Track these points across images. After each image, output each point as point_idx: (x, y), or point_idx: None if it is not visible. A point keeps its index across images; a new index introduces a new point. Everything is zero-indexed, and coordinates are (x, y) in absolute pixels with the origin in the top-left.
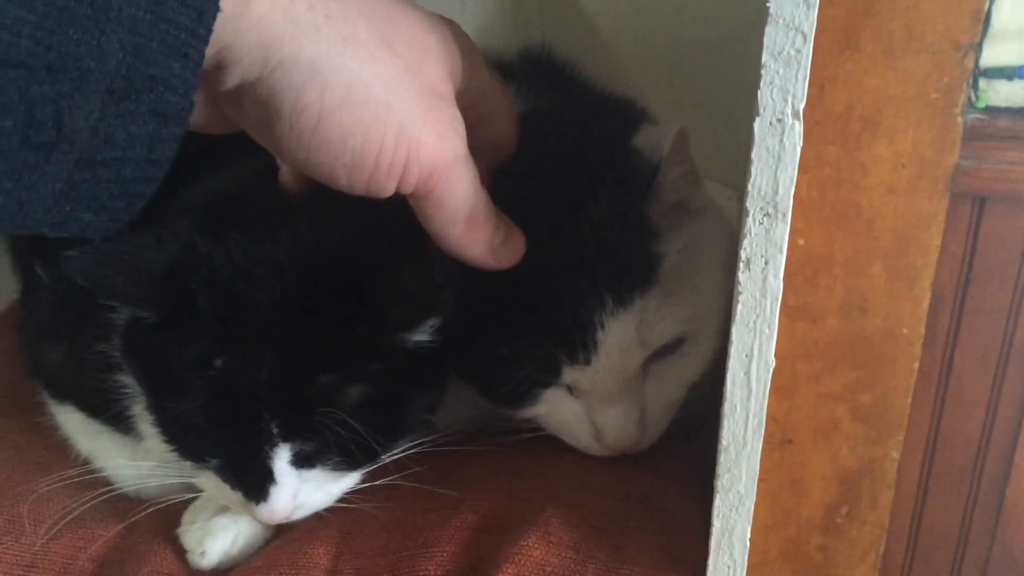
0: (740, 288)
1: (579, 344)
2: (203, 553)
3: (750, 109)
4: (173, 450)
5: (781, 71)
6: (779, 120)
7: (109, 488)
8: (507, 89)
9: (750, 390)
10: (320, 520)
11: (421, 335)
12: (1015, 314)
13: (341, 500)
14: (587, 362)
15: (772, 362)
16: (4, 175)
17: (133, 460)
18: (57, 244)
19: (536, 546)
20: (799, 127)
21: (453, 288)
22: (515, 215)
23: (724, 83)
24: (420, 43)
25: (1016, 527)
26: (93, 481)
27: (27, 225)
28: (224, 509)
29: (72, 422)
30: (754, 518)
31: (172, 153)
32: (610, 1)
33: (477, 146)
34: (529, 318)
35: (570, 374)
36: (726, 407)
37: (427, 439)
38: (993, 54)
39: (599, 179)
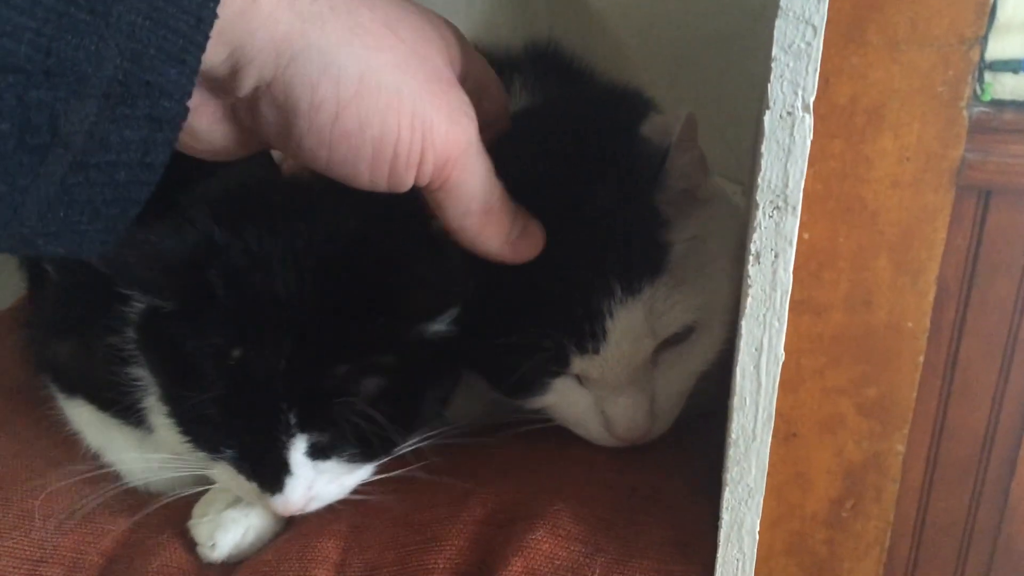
0: (750, 281)
1: (588, 333)
2: (214, 546)
3: (755, 104)
4: (188, 441)
5: (791, 64)
6: (789, 113)
7: (118, 483)
8: (514, 82)
9: (759, 383)
10: (329, 514)
11: (439, 325)
12: (1020, 307)
13: (353, 492)
14: (596, 351)
15: (781, 355)
16: None
17: (143, 453)
18: None
19: (545, 539)
20: (809, 120)
21: (470, 277)
22: (523, 207)
23: (728, 78)
24: (419, 30)
25: (1021, 520)
26: (102, 476)
27: (23, 235)
28: (234, 502)
29: (82, 416)
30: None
31: (166, 157)
32: None
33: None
34: (537, 307)
35: (579, 364)
36: (735, 400)
37: (439, 431)
38: (998, 47)
39: (607, 168)
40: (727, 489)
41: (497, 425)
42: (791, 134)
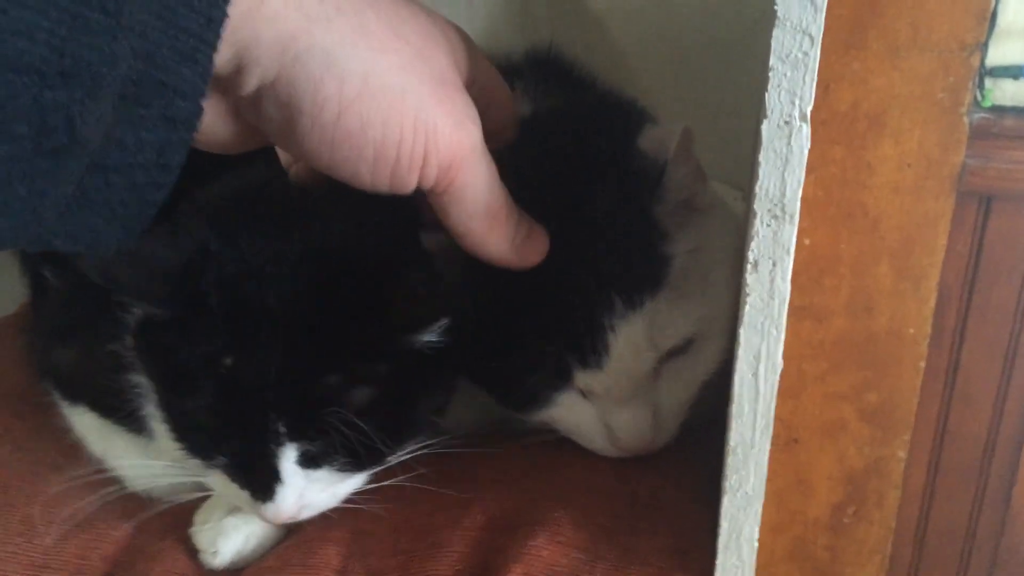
0: (748, 290)
1: (590, 348)
2: (215, 553)
3: (755, 109)
4: (182, 448)
5: (788, 74)
6: (786, 122)
7: (120, 486)
8: (515, 89)
9: (758, 391)
10: (331, 520)
11: (430, 336)
12: (1021, 313)
13: (347, 501)
14: (598, 366)
15: (780, 363)
16: (17, 180)
17: (145, 460)
18: None
19: (545, 546)
20: (807, 129)
21: (462, 289)
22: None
23: (729, 83)
24: (426, 33)
25: (1023, 526)
26: (103, 481)
27: (41, 236)
28: (236, 509)
29: (84, 423)
30: (761, 518)
31: (182, 158)
32: (617, 1)
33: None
34: (539, 323)
35: (582, 378)
36: (734, 408)
37: (434, 441)
38: (999, 53)
39: (605, 181)
40: (726, 497)
41: (495, 434)
42: (788, 143)
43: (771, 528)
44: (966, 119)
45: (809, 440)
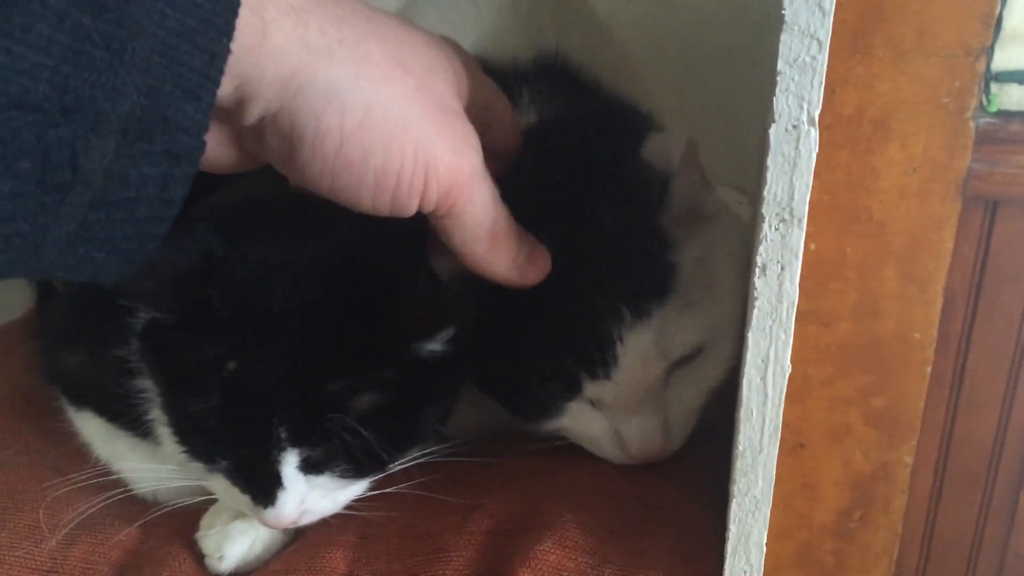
0: (756, 294)
1: (598, 359)
2: (221, 558)
3: (761, 113)
4: (185, 451)
5: (796, 78)
6: (795, 127)
7: (125, 488)
8: (521, 95)
9: (766, 395)
10: (337, 525)
11: (435, 345)
12: None
13: (349, 507)
14: (607, 377)
15: (788, 367)
16: (20, 217)
17: (151, 464)
18: None
19: (552, 550)
20: (815, 134)
21: (469, 299)
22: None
23: (735, 87)
24: (428, 61)
25: None
26: (108, 483)
27: (43, 269)
28: (242, 514)
29: (91, 427)
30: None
31: (184, 192)
32: (623, 6)
33: (484, 155)
34: (547, 335)
35: (591, 389)
36: (742, 412)
37: (438, 448)
38: (1004, 58)
39: (611, 192)
40: (734, 501)
41: (501, 439)
42: (796, 147)
43: (778, 533)
44: (972, 123)
45: (815, 445)
